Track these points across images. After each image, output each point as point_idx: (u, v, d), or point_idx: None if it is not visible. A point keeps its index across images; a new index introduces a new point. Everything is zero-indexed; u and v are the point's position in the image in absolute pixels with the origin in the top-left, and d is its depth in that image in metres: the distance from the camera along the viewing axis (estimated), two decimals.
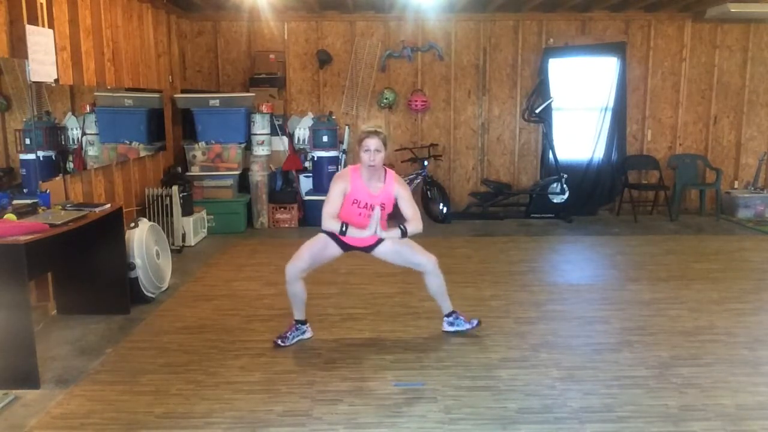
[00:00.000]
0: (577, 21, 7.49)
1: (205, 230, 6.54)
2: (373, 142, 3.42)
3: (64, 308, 4.21)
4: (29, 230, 3.17)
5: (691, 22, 7.48)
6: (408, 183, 7.27)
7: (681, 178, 7.53)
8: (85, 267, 4.11)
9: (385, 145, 3.45)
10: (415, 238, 3.57)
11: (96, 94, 5.02)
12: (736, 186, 7.82)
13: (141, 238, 4.37)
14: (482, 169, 7.77)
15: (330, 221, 3.43)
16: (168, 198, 5.86)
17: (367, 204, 3.48)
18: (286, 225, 7.05)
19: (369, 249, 3.61)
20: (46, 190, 4.06)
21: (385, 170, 3.55)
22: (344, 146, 7.46)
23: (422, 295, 4.07)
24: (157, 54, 6.44)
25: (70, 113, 4.66)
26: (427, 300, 3.99)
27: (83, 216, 3.69)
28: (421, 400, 2.99)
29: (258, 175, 6.93)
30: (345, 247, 3.59)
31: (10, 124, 4.03)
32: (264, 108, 6.90)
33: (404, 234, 3.46)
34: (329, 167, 7.03)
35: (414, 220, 3.51)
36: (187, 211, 6.08)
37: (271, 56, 7.38)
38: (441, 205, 7.29)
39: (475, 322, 3.78)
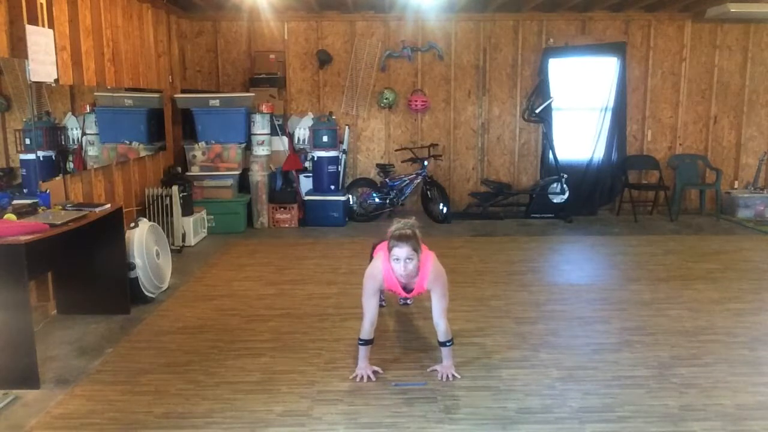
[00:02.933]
0: (577, 21, 7.49)
1: (205, 230, 6.54)
2: (403, 252, 3.04)
3: (64, 308, 4.21)
4: (29, 230, 3.17)
5: (691, 22, 7.48)
6: (408, 183, 7.36)
7: (681, 178, 7.53)
8: (85, 267, 4.11)
9: (417, 250, 3.06)
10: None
11: (96, 94, 5.02)
12: (736, 186, 7.82)
13: (141, 238, 4.37)
14: (482, 169, 7.77)
15: (367, 329, 3.18)
16: (168, 198, 5.86)
17: (401, 294, 3.33)
18: (286, 225, 7.05)
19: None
20: (46, 190, 4.07)
21: (420, 262, 3.14)
22: (344, 146, 7.47)
23: (422, 295, 4.07)
24: (157, 54, 6.44)
25: (70, 113, 4.66)
26: (427, 300, 3.98)
27: (83, 216, 3.69)
28: (421, 400, 2.99)
29: (258, 175, 6.93)
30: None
31: (10, 124, 4.03)
32: (264, 108, 6.90)
33: (452, 343, 3.25)
34: (329, 167, 7.03)
35: (442, 322, 3.18)
36: (187, 211, 6.08)
37: (271, 56, 7.39)
38: (441, 205, 7.29)
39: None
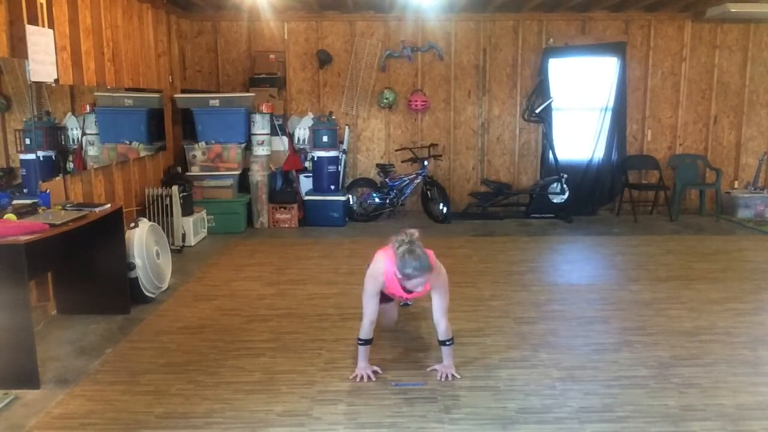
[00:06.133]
0: (577, 21, 7.49)
1: (205, 230, 6.54)
2: (419, 282, 2.98)
3: (64, 308, 4.21)
4: (29, 230, 3.17)
5: (691, 22, 7.48)
6: (408, 183, 7.36)
7: (681, 178, 7.53)
8: (85, 267, 4.11)
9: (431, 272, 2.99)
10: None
11: (96, 94, 5.02)
12: (736, 186, 7.82)
13: (141, 238, 4.37)
14: (482, 169, 7.77)
15: (367, 329, 3.16)
16: (168, 198, 5.86)
17: (402, 297, 3.29)
18: (286, 225, 7.05)
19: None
20: (46, 190, 4.07)
21: None
22: (344, 146, 7.47)
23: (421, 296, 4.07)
24: (157, 54, 6.44)
25: (70, 113, 4.66)
26: (426, 300, 3.98)
27: (83, 216, 3.69)
28: (421, 400, 2.99)
29: (258, 175, 6.93)
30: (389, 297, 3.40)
31: (10, 124, 4.03)
32: (264, 108, 6.90)
33: (453, 342, 3.23)
34: (329, 167, 7.03)
35: (443, 321, 3.16)
36: (187, 211, 6.08)
37: (271, 56, 7.38)
38: (441, 205, 7.29)
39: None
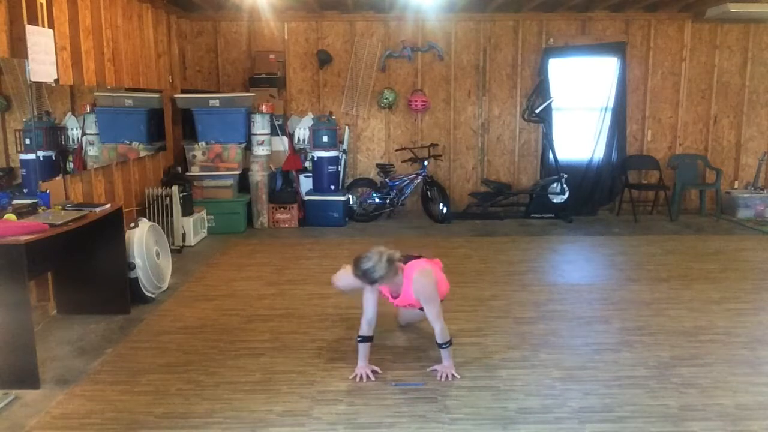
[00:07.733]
0: (577, 21, 7.48)
1: (205, 230, 6.54)
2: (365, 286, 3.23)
3: (64, 308, 4.21)
4: (29, 230, 3.17)
5: (691, 22, 7.48)
6: (408, 183, 7.36)
7: (681, 178, 7.53)
8: (85, 267, 4.11)
9: (385, 274, 3.12)
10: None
11: (96, 94, 5.02)
12: (736, 186, 7.82)
13: (141, 238, 4.37)
14: (482, 169, 7.77)
15: (364, 327, 3.25)
16: (168, 198, 5.86)
17: (389, 298, 3.40)
18: (286, 225, 7.05)
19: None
20: (46, 190, 4.06)
21: (404, 275, 3.27)
22: (344, 146, 7.47)
23: None
24: (157, 54, 6.44)
25: (70, 113, 4.66)
26: None
27: (83, 216, 3.69)
28: (421, 400, 2.99)
29: (258, 175, 6.93)
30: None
31: (10, 124, 4.03)
32: (264, 108, 6.89)
33: (449, 345, 3.25)
34: (329, 167, 7.03)
35: (436, 326, 3.22)
36: (187, 211, 6.08)
37: (271, 56, 7.38)
38: (441, 205, 7.29)
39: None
